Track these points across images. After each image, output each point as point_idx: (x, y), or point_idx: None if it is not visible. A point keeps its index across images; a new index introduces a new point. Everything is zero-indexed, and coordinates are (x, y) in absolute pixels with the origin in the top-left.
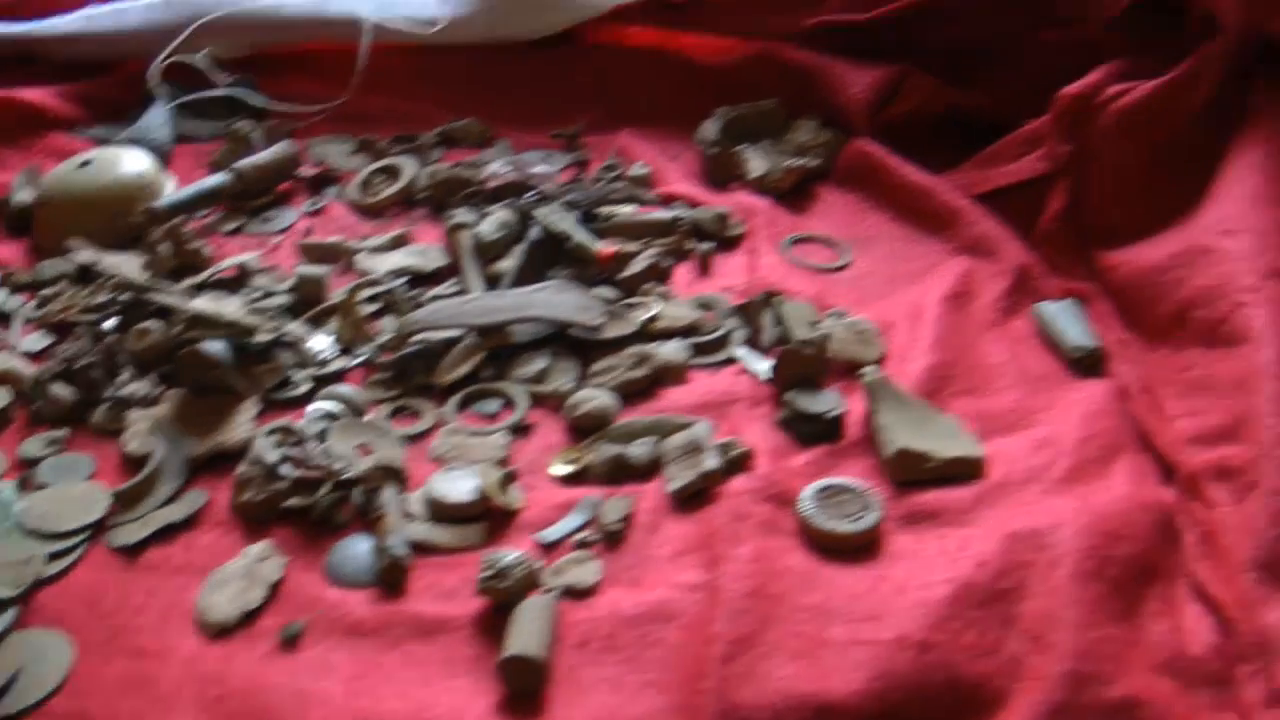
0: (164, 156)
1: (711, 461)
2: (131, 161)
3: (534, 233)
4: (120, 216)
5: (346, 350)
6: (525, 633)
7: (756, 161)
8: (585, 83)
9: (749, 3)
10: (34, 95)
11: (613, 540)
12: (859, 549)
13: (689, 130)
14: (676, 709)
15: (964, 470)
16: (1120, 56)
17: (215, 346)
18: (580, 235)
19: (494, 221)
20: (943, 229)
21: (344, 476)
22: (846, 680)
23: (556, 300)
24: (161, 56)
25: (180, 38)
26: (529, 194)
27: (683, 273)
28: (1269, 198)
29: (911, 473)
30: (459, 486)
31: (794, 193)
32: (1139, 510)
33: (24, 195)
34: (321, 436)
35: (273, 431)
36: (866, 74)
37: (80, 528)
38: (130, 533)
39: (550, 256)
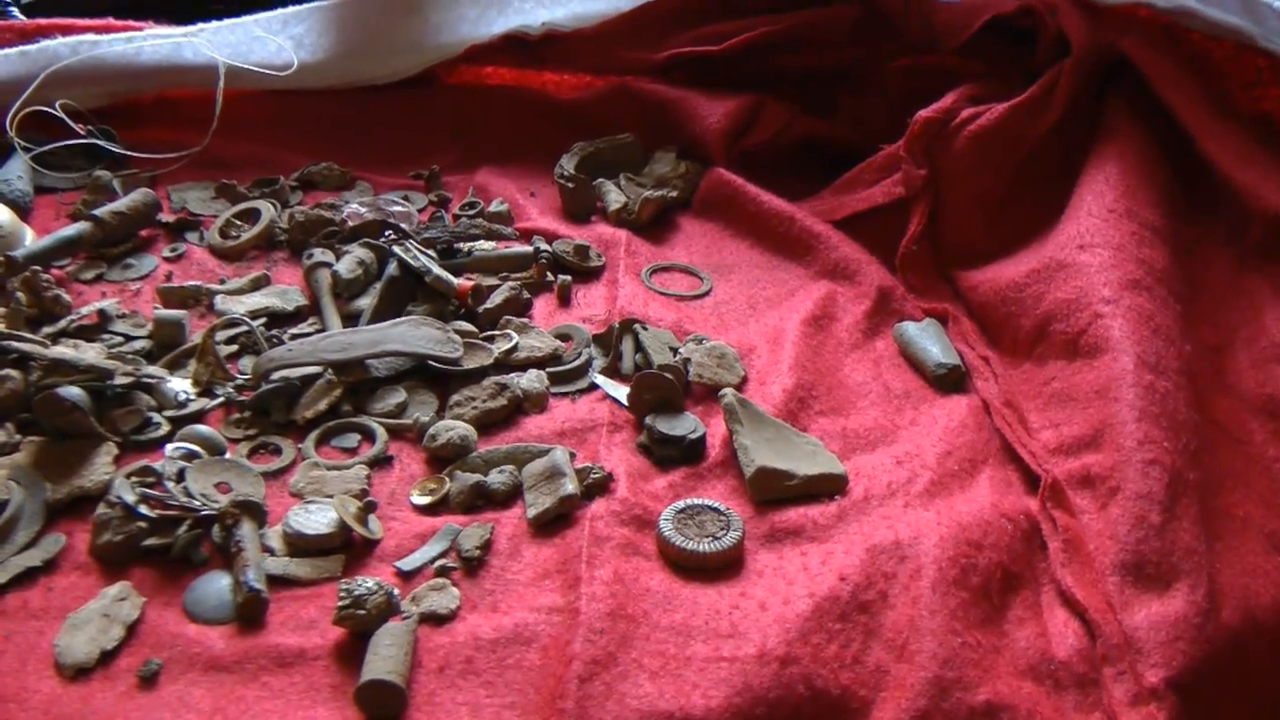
0: (23, 208)
1: (570, 486)
2: None
3: (390, 269)
4: None
5: (206, 391)
6: (382, 659)
7: (615, 194)
8: (444, 123)
9: (601, 39)
10: None
11: (472, 567)
12: (720, 568)
13: (547, 166)
14: None
15: (825, 488)
16: (972, 80)
17: (72, 391)
18: (437, 271)
19: (351, 260)
20: (802, 255)
21: (202, 514)
22: (707, 697)
23: (413, 335)
24: (15, 106)
25: (32, 85)
26: (386, 233)
27: (542, 305)
28: (1123, 212)
29: (773, 491)
30: (316, 519)
31: (654, 223)
32: (1001, 520)
33: None
34: (180, 476)
35: (131, 473)
36: (722, 104)
37: None
38: None
39: (407, 293)
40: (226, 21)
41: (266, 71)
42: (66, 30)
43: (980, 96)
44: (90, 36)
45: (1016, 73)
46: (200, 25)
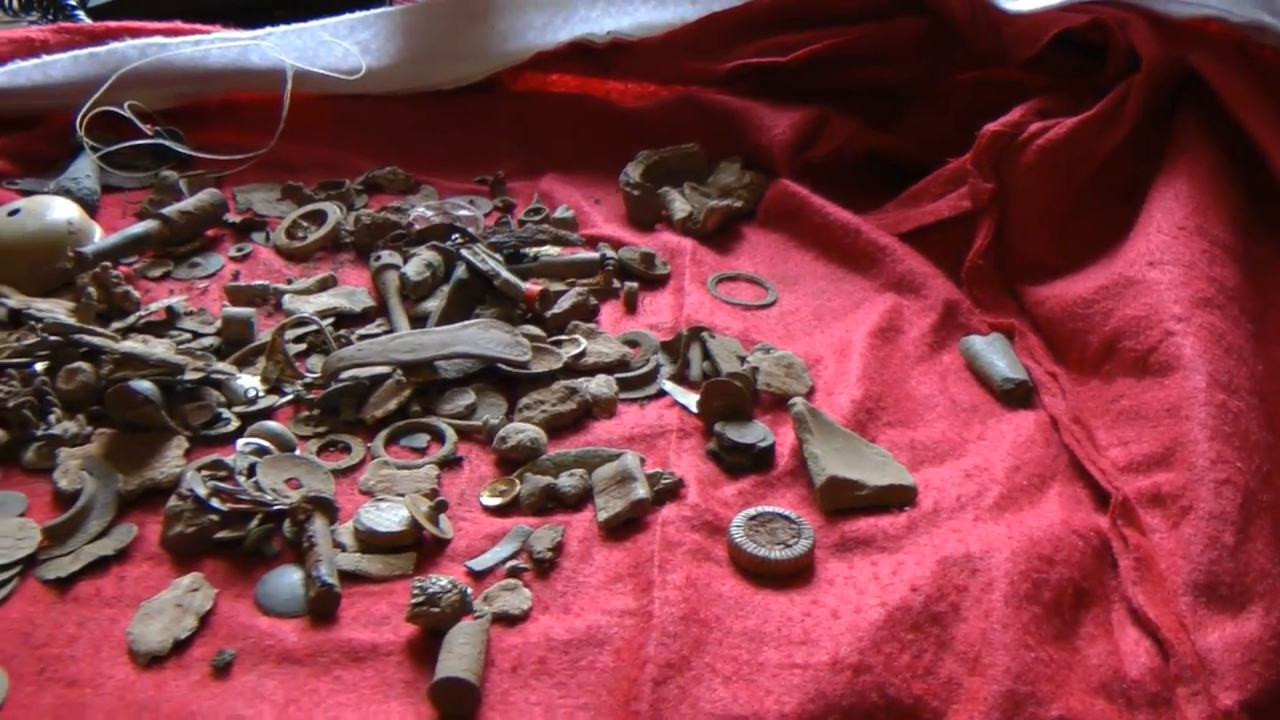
0: (91, 206)
1: (641, 491)
2: (59, 210)
3: (459, 272)
4: (47, 263)
5: (274, 389)
6: (457, 656)
7: (680, 203)
8: (507, 129)
9: (667, 48)
10: None
11: (543, 568)
12: (791, 575)
13: (612, 174)
14: None
15: (895, 498)
16: (1041, 94)
17: (143, 385)
18: (505, 274)
19: (419, 263)
20: (868, 267)
21: (274, 509)
22: (780, 703)
23: (482, 337)
24: (85, 107)
25: (103, 88)
26: (454, 236)
27: (609, 311)
28: (1194, 229)
29: (842, 501)
30: (387, 517)
31: (718, 233)
32: (1072, 536)
33: None
34: (251, 470)
35: (202, 466)
36: (787, 116)
37: (11, 562)
38: (61, 566)
39: (475, 296)
40: (294, 26)
41: (335, 75)
42: (135, 33)
43: (1049, 111)
44: (159, 39)
45: (1085, 87)
46: (268, 29)
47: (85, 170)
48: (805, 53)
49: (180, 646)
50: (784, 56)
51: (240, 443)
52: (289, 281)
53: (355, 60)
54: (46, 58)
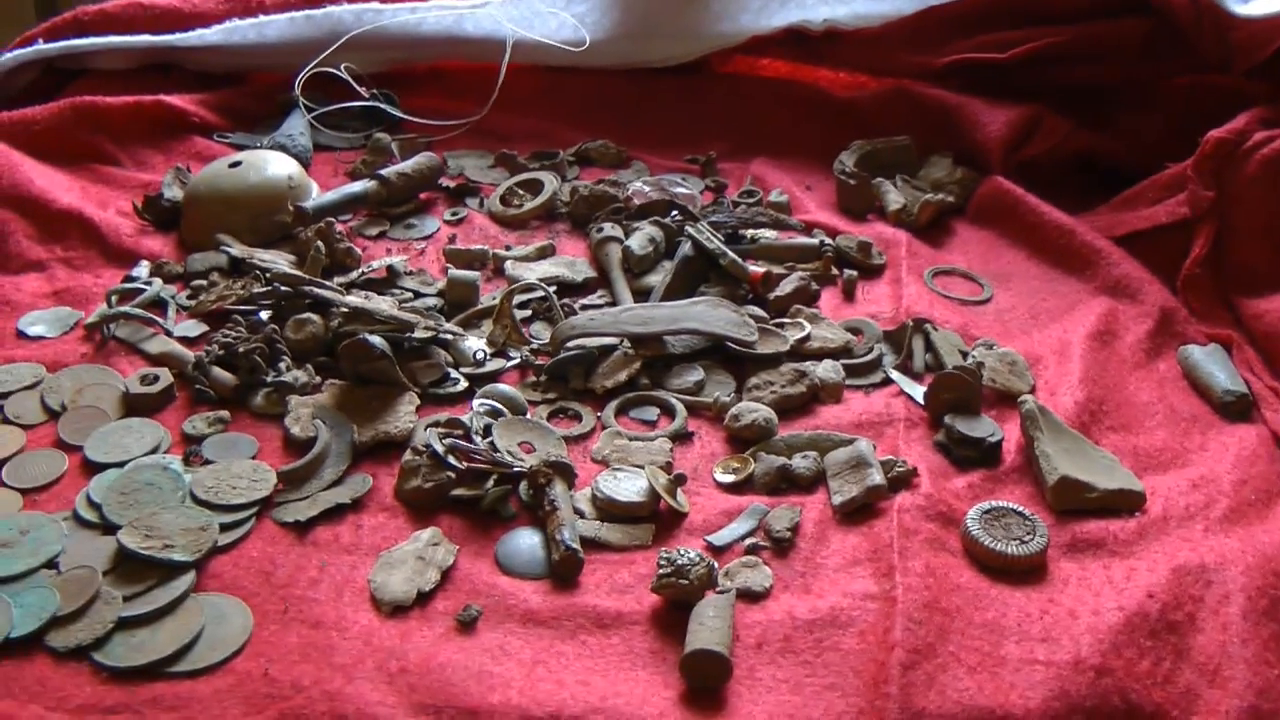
0: (304, 163)
1: (877, 477)
2: (279, 164)
3: (685, 249)
4: (266, 216)
5: (500, 352)
6: (709, 629)
7: (894, 194)
8: (717, 110)
9: (883, 40)
10: (177, 101)
11: (781, 547)
12: (1025, 572)
13: (821, 161)
14: (860, 712)
15: (1125, 503)
16: (1261, 103)
17: (378, 339)
18: (732, 255)
19: (642, 237)
20: (1082, 269)
21: (514, 470)
22: (1025, 698)
23: (711, 315)
24: (308, 68)
25: (328, 51)
26: (673, 213)
27: (827, 298)
28: None
29: (1073, 502)
30: (626, 486)
31: (930, 227)
32: None
33: (173, 193)
34: (486, 431)
35: (439, 424)
36: (1003, 113)
37: (249, 502)
38: (298, 510)
39: (700, 274)
40: None
41: (559, 46)
42: None
43: (1273, 120)
44: (375, 5)
45: None
46: None
47: (299, 128)
48: (1025, 50)
49: (424, 598)
50: (1002, 54)
51: (476, 402)
52: (507, 248)
53: (570, 32)
54: (263, 18)
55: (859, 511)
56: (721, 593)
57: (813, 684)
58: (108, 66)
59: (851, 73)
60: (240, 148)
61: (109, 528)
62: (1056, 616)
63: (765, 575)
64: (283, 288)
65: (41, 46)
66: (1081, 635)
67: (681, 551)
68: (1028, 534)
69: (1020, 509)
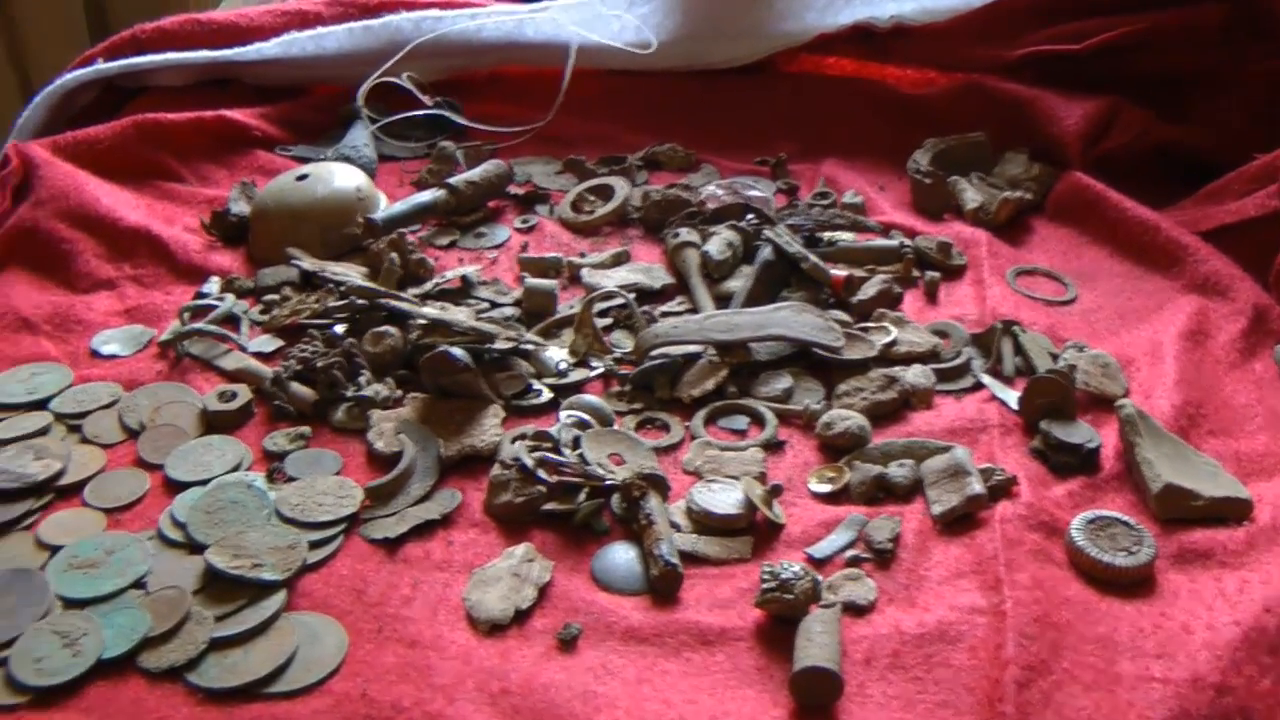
0: (370, 174)
1: (977, 486)
2: (346, 176)
3: (765, 253)
4: (335, 228)
5: (581, 362)
6: (818, 645)
7: (971, 193)
8: (784, 110)
9: (952, 34)
10: (239, 115)
11: (883, 559)
12: (1133, 584)
13: (892, 160)
14: None
15: (1232, 511)
16: None
17: (461, 352)
18: (814, 258)
19: (720, 241)
20: (1168, 266)
21: (606, 483)
22: (1143, 717)
23: (796, 321)
24: (372, 78)
25: (391, 61)
26: (749, 217)
27: (909, 300)
28: None
29: (1178, 510)
30: (722, 498)
31: (1008, 225)
32: None
33: (240, 208)
34: (575, 443)
35: (526, 437)
36: (1079, 105)
37: (336, 519)
38: (387, 527)
39: (781, 278)
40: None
41: (625, 49)
42: (410, 6)
43: None
44: (434, 12)
45: None
46: (545, 3)
47: (363, 139)
48: (1101, 40)
49: (521, 616)
50: (1077, 44)
51: (563, 414)
52: (581, 255)
53: (632, 34)
54: (321, 29)
55: (959, 521)
56: (826, 607)
57: (925, 701)
58: (167, 83)
59: (920, 69)
60: (304, 160)
61: (195, 547)
62: (1170, 631)
63: (869, 588)
64: (359, 301)
65: (101, 66)
66: (1198, 651)
67: (785, 565)
68: (1134, 544)
69: (1125, 518)
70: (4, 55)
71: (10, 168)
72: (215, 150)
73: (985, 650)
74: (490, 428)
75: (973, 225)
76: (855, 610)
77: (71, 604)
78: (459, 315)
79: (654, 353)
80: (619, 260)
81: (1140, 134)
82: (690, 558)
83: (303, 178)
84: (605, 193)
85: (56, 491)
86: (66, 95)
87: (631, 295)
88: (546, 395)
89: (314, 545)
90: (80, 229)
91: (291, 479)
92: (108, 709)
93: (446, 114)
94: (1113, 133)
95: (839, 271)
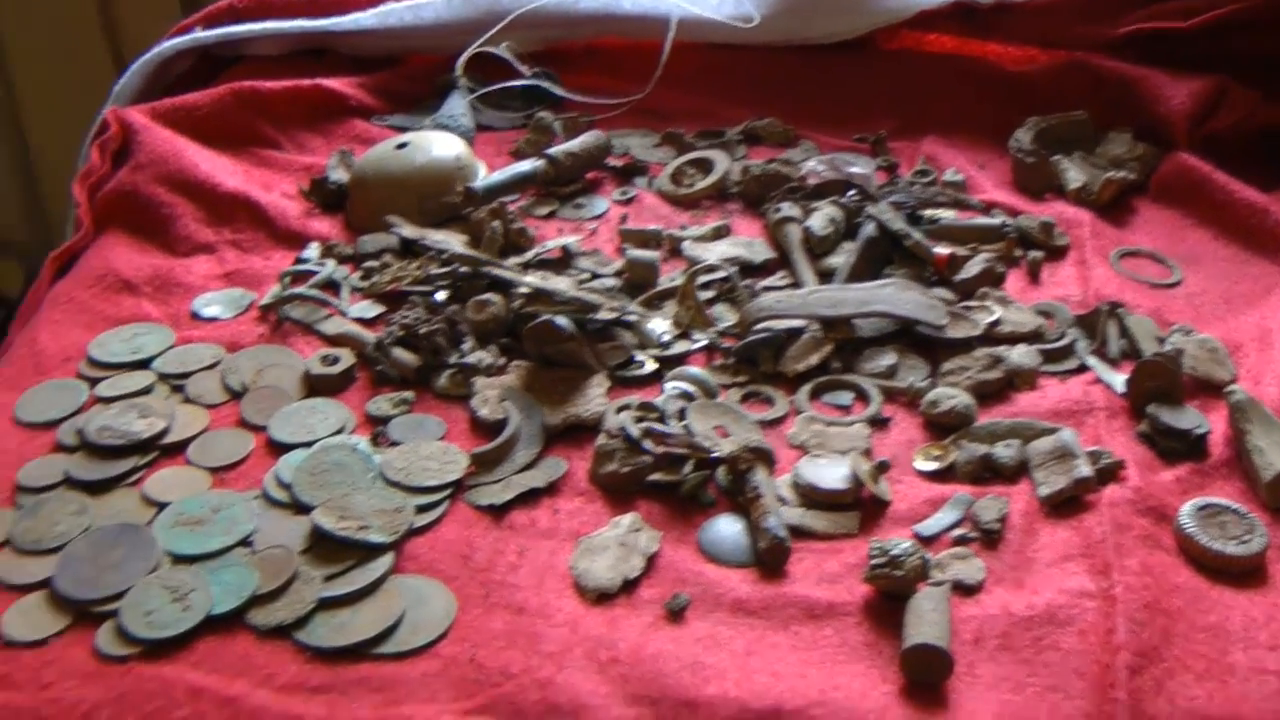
0: (467, 143)
1: (1085, 469)
2: (445, 145)
3: (868, 230)
4: (434, 196)
5: (683, 334)
6: (929, 623)
7: (1074, 172)
8: (883, 87)
9: (1055, 11)
10: (335, 84)
11: (990, 539)
12: (1245, 573)
13: (993, 138)
14: (1086, 716)
15: None
16: None
17: (566, 321)
18: (917, 235)
19: (822, 217)
20: (1278, 250)
21: (712, 455)
22: (1259, 710)
23: (901, 298)
24: (472, 48)
25: (491, 31)
26: (851, 193)
27: (1011, 280)
28: None
29: None
30: (828, 473)
31: (1111, 206)
32: None
33: (338, 175)
34: (681, 415)
35: (632, 407)
36: (1186, 85)
37: (442, 484)
38: (493, 493)
39: (884, 255)
40: None
41: (727, 22)
42: None
43: None
44: None
45: None
46: None
47: (460, 109)
48: (1209, 17)
49: (629, 586)
50: (1184, 22)
51: (668, 385)
52: (681, 228)
53: (732, 8)
54: (419, 0)
55: (1066, 504)
56: (935, 585)
57: (1034, 684)
58: (262, 52)
59: (1022, 46)
60: (401, 130)
61: (300, 508)
62: None
63: (977, 567)
64: (462, 268)
65: (199, 34)
66: None
67: (894, 542)
68: (1246, 533)
69: (1237, 506)
70: (97, 25)
71: (110, 133)
72: (312, 118)
73: (1095, 635)
74: (595, 397)
75: (1075, 205)
76: (964, 590)
77: (179, 559)
78: (561, 285)
79: (758, 326)
80: (719, 234)
81: (1247, 115)
82: (797, 532)
83: (402, 146)
84: (705, 166)
85: (161, 450)
86: (163, 64)
87: (734, 269)
88: (650, 366)
89: (420, 509)
90: (180, 193)
91: (395, 443)
92: (216, 663)
93: (544, 85)
94: (1220, 113)
95: (942, 250)
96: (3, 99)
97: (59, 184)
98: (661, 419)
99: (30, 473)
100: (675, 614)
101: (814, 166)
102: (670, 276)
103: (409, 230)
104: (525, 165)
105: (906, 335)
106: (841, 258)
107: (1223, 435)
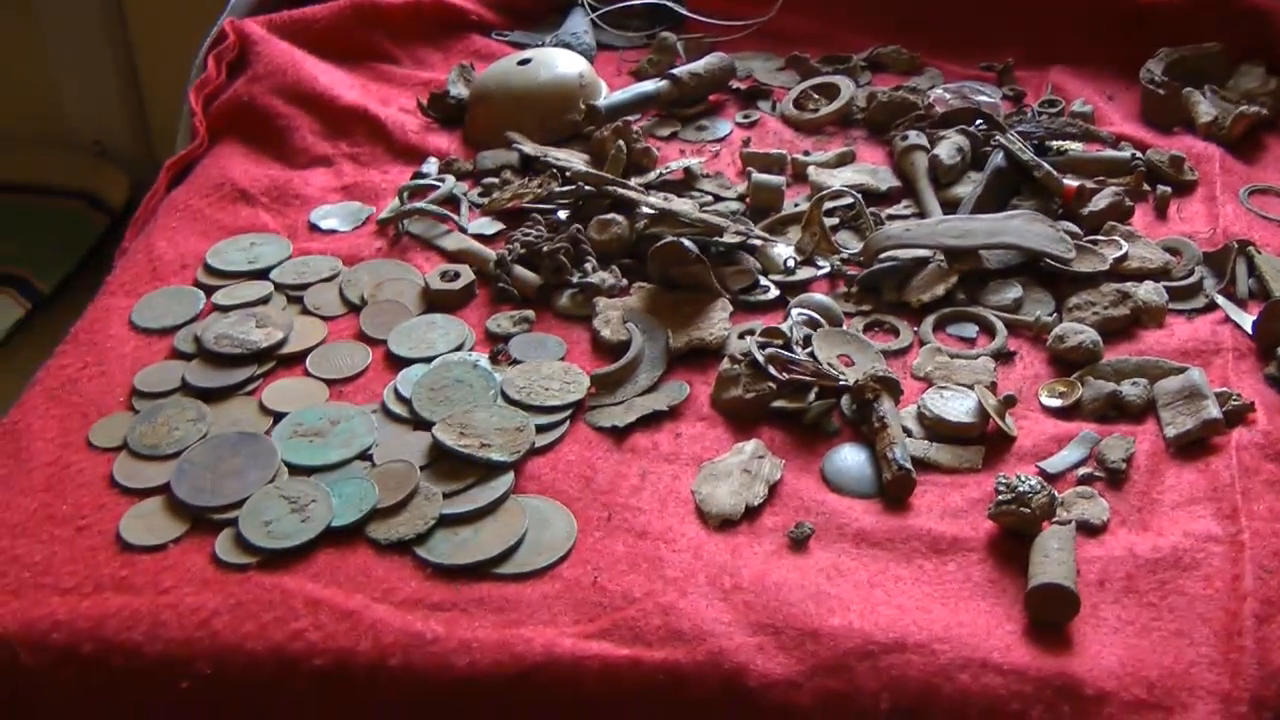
0: (589, 61)
1: (1214, 410)
2: (568, 62)
3: (996, 160)
4: (556, 114)
5: (807, 261)
6: (1055, 563)
7: (1205, 106)
8: (1009, 16)
9: None
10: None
11: (1116, 479)
12: None
13: (1121, 70)
14: (1211, 664)
15: None
16: None
17: (691, 244)
18: (1047, 167)
19: (950, 146)
20: None
21: (838, 383)
22: None
23: (1029, 230)
24: None
25: None
26: (979, 122)
27: (1139, 215)
28: None
29: None
30: (955, 406)
31: (1242, 141)
32: None
33: (458, 90)
34: (806, 342)
35: (758, 332)
36: None
37: (563, 405)
38: (615, 415)
39: (1011, 186)
40: None
41: None
42: None
43: None
44: None
45: None
46: None
47: (582, 26)
48: None
49: (751, 513)
50: None
51: (795, 312)
52: (805, 153)
53: None
54: None
55: (1193, 445)
56: (1061, 524)
57: (1159, 629)
58: None
59: None
60: (521, 46)
61: (420, 423)
62: None
63: (1102, 508)
64: (586, 187)
65: None
66: None
67: (1021, 478)
68: None
69: None
70: None
71: (226, 43)
72: (431, 34)
73: (1222, 580)
74: (718, 321)
75: (1205, 140)
76: (1088, 530)
77: (297, 470)
78: (684, 206)
79: (883, 255)
80: (844, 160)
81: None
82: (921, 464)
83: (525, 62)
84: (829, 91)
85: (278, 360)
86: None
87: (859, 196)
88: (774, 292)
89: (540, 429)
90: (297, 105)
91: (516, 361)
92: (335, 575)
93: (668, 3)
94: None
95: (1070, 182)
96: (110, 7)
97: (163, 93)
98: (787, 345)
99: (147, 378)
100: (798, 543)
101: (941, 94)
102: (794, 202)
103: (530, 147)
104: (648, 85)
105: (1031, 268)
106: (967, 188)
107: None
